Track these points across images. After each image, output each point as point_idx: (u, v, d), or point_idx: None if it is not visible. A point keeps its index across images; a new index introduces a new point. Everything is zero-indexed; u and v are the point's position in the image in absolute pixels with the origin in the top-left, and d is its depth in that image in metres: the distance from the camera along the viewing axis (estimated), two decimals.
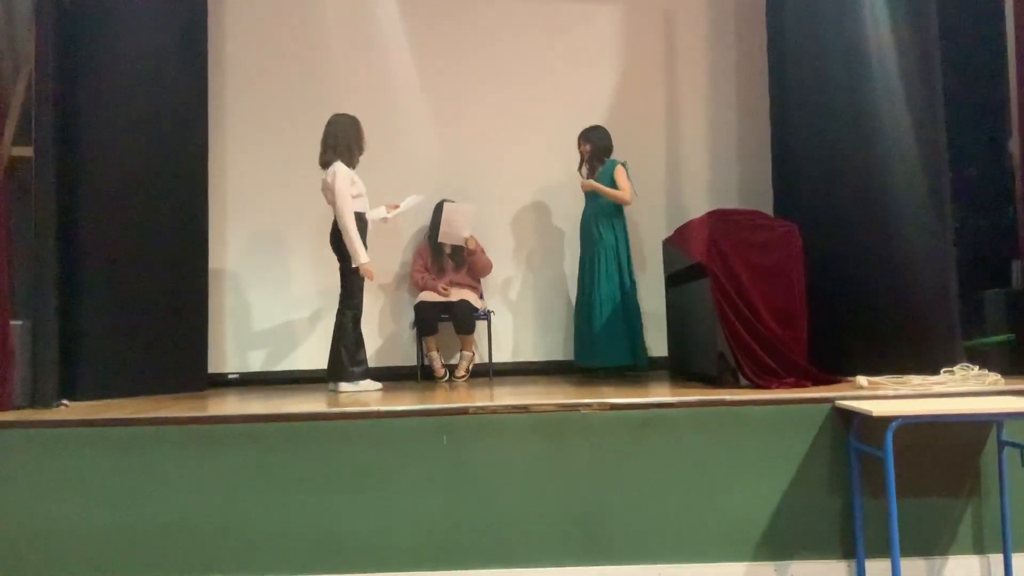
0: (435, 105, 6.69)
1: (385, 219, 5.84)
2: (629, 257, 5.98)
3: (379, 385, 5.37)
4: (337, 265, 5.37)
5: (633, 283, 5.97)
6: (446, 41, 6.73)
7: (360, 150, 5.42)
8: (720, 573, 3.76)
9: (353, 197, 5.27)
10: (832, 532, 3.79)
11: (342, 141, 5.32)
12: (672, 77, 6.77)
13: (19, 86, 5.44)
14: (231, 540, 3.80)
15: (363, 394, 5.11)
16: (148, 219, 5.43)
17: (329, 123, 5.38)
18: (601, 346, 5.86)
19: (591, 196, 6.02)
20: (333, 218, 5.32)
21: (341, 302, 5.34)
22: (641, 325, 5.96)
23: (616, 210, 5.96)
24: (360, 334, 5.37)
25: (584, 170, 6.15)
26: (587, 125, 6.13)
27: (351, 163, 5.34)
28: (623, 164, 5.94)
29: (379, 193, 5.68)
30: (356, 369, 5.28)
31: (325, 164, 5.34)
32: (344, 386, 5.24)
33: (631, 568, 3.76)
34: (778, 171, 5.85)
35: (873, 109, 4.83)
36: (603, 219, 5.95)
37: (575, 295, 6.26)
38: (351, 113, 5.45)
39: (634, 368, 5.93)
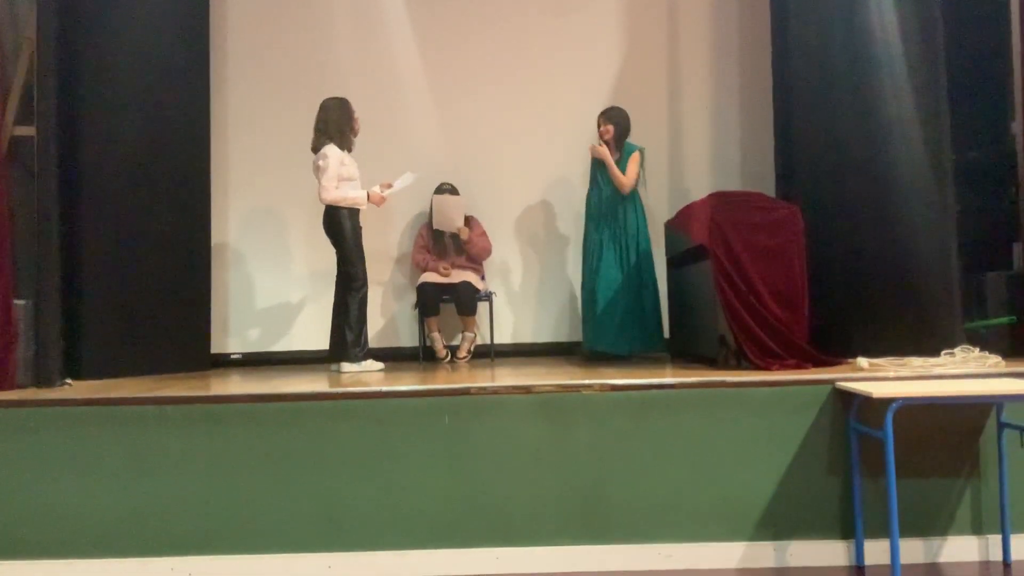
0: (437, 87, 6.67)
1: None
2: (648, 238, 5.76)
3: (381, 365, 5.40)
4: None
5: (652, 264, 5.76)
6: (447, 22, 6.69)
7: (353, 131, 5.45)
8: (719, 553, 3.79)
9: (343, 179, 5.31)
10: (831, 513, 3.81)
11: (332, 125, 5.37)
12: (674, 59, 6.73)
13: (21, 65, 5.43)
14: (234, 519, 3.83)
15: (365, 374, 5.14)
16: (151, 199, 5.43)
17: (320, 108, 5.43)
18: (631, 331, 5.61)
19: (607, 175, 5.72)
20: (326, 204, 5.36)
21: (344, 283, 5.35)
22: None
23: (634, 191, 5.72)
24: (365, 314, 5.40)
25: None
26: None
27: (343, 145, 5.38)
28: (641, 150, 5.73)
29: (381, 177, 5.66)
30: (358, 349, 5.31)
31: (315, 149, 5.39)
32: (347, 366, 5.26)
33: (631, 547, 3.79)
34: (780, 153, 5.84)
35: (876, 91, 4.82)
36: (627, 200, 5.69)
37: (583, 277, 5.91)
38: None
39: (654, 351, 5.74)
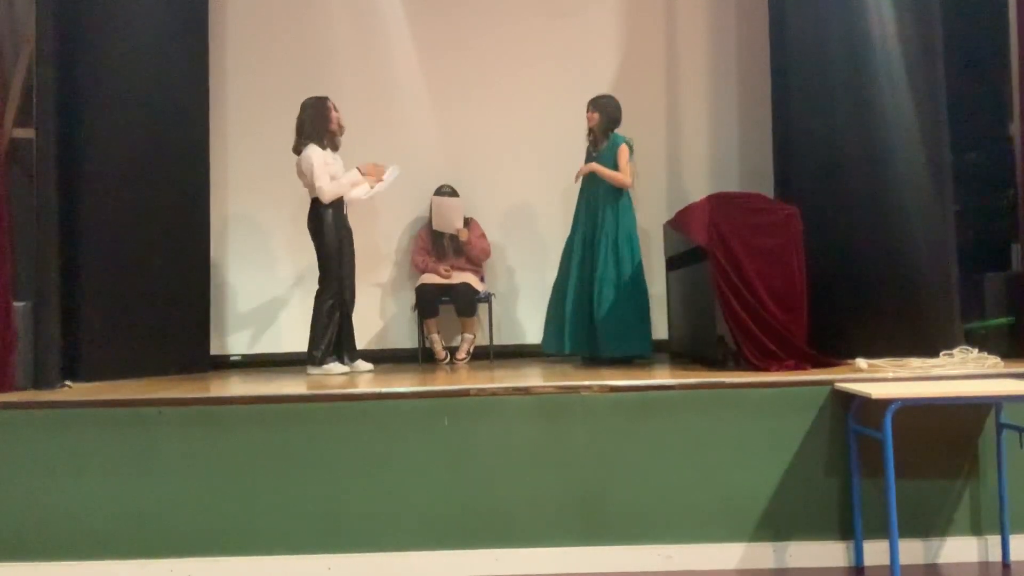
0: (436, 89, 6.66)
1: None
2: (636, 237, 5.64)
3: (345, 368, 5.34)
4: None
5: (641, 265, 5.64)
6: (446, 24, 6.68)
7: (329, 131, 5.39)
8: (719, 554, 3.79)
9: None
10: (831, 513, 3.81)
11: (307, 124, 5.35)
12: (673, 59, 6.73)
13: (20, 67, 5.43)
14: (233, 520, 3.83)
15: (328, 377, 5.08)
16: (150, 200, 5.43)
17: (300, 109, 5.40)
18: (613, 334, 5.45)
19: (592, 174, 5.65)
20: (310, 201, 5.35)
21: (320, 285, 5.35)
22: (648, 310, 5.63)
23: (619, 189, 5.61)
24: (334, 318, 5.31)
25: (589, 140, 5.80)
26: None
27: (323, 144, 5.35)
28: (628, 142, 5.60)
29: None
30: (318, 352, 5.25)
31: (296, 150, 5.38)
32: (310, 369, 5.26)
33: (630, 548, 3.79)
34: (779, 154, 5.84)
35: (875, 92, 4.83)
36: (609, 198, 5.59)
37: (562, 277, 5.81)
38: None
39: (641, 357, 5.56)
